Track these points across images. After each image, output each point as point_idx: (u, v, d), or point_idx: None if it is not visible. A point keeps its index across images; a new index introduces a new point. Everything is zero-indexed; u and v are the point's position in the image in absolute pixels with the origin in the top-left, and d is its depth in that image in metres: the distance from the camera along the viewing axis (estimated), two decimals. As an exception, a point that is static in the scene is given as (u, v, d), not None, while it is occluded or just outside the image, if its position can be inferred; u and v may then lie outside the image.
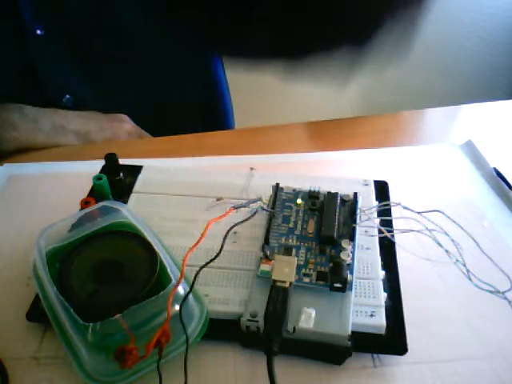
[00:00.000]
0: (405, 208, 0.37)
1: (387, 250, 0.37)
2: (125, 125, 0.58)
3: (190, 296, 0.30)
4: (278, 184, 0.40)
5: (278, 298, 0.30)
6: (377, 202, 0.40)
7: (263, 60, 0.50)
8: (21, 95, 0.56)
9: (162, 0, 0.51)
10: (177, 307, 0.29)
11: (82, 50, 0.57)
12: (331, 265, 0.33)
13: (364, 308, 0.32)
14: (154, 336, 0.28)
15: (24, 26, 0.53)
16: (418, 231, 0.36)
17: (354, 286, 0.32)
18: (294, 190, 0.40)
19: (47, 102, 0.57)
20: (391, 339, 0.31)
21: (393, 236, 0.37)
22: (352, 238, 0.35)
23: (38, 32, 0.54)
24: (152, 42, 0.58)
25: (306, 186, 0.40)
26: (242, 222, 0.36)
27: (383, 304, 0.32)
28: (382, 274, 0.34)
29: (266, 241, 0.35)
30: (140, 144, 0.52)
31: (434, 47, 1.34)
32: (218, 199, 0.41)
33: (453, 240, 0.35)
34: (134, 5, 0.55)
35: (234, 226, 0.35)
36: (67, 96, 0.58)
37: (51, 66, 0.56)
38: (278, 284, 0.31)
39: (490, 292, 0.33)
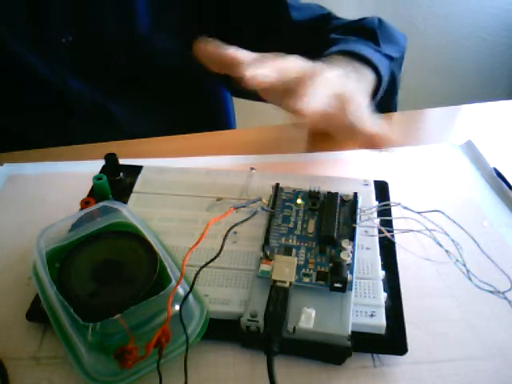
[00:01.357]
0: (405, 208, 0.37)
1: (387, 249, 0.37)
2: None
3: (190, 296, 0.30)
4: (277, 184, 0.40)
5: (278, 298, 0.30)
6: (377, 202, 0.40)
7: None
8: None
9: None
10: (177, 307, 0.29)
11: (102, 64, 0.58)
12: (331, 265, 0.33)
13: (364, 308, 0.32)
14: (154, 336, 0.28)
15: (50, 35, 0.54)
16: (418, 231, 0.36)
17: (354, 286, 0.32)
18: (293, 190, 0.40)
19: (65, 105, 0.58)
20: (391, 339, 0.31)
21: (393, 236, 0.37)
22: (352, 238, 0.35)
23: (63, 40, 0.55)
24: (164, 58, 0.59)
25: (306, 186, 0.40)
26: (242, 222, 0.36)
27: (383, 304, 0.32)
28: (382, 273, 0.34)
29: (266, 241, 0.35)
30: (140, 144, 0.52)
31: (434, 47, 1.34)
32: (218, 199, 0.41)
33: (453, 240, 0.35)
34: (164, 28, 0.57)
35: (234, 226, 0.35)
36: (83, 97, 0.59)
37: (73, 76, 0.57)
38: (278, 284, 0.31)
39: (490, 292, 0.33)
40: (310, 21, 0.58)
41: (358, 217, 0.37)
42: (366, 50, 0.49)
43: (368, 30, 0.54)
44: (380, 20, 0.56)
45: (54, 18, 0.54)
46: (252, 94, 0.60)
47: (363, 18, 0.57)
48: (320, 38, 0.53)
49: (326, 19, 0.58)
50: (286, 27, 0.58)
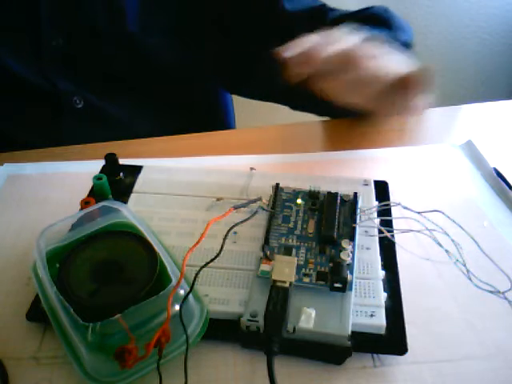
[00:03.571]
0: (405, 208, 0.37)
1: (387, 249, 0.37)
2: None
3: (190, 296, 0.30)
4: (278, 184, 0.40)
5: (278, 298, 0.30)
6: (377, 202, 0.40)
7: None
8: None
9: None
10: (177, 307, 0.29)
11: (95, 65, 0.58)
12: (331, 265, 0.33)
13: (364, 308, 0.32)
14: (154, 336, 0.28)
15: (40, 38, 0.54)
16: (418, 231, 0.36)
17: (354, 286, 0.32)
18: (293, 190, 0.40)
19: (58, 102, 0.58)
20: (391, 339, 0.31)
21: (393, 236, 0.37)
22: (352, 238, 0.35)
23: (54, 43, 0.54)
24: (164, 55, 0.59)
25: (306, 186, 0.40)
26: (242, 221, 0.36)
27: (383, 304, 0.32)
28: (382, 274, 0.34)
29: (266, 241, 0.35)
30: (140, 144, 0.52)
31: (434, 47, 1.34)
32: (218, 199, 0.41)
33: (453, 240, 0.35)
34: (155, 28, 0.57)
35: (234, 226, 0.35)
36: (76, 99, 0.58)
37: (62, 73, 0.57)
38: (278, 284, 0.31)
39: (490, 292, 0.33)
40: (306, 11, 0.57)
41: (357, 217, 0.37)
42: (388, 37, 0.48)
43: (379, 18, 0.53)
44: (386, 9, 0.55)
45: (44, 21, 0.54)
46: (251, 94, 0.61)
47: (370, 7, 0.56)
48: (322, 28, 0.52)
49: (322, 10, 0.58)
50: (282, 18, 0.57)
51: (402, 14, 0.55)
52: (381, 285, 0.34)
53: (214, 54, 0.62)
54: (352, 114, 0.56)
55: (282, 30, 0.57)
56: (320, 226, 0.36)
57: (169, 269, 0.31)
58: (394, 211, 0.40)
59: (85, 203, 0.38)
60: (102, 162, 0.43)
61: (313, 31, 0.53)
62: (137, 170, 0.44)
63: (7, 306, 0.34)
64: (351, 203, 0.38)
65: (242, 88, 0.67)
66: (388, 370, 0.31)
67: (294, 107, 0.62)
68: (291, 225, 0.37)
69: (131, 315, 0.29)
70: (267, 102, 0.65)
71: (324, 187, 0.39)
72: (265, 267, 0.33)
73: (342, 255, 0.33)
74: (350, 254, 0.34)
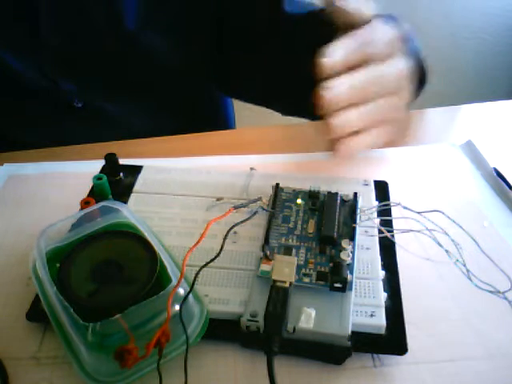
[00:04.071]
0: (405, 208, 0.37)
1: (387, 249, 0.37)
2: None
3: (190, 296, 0.30)
4: (278, 184, 0.40)
5: (278, 298, 0.30)
6: (377, 202, 0.40)
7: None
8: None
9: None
10: (177, 307, 0.29)
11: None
12: (331, 265, 0.33)
13: (364, 308, 0.32)
14: (154, 336, 0.28)
15: (38, 38, 0.54)
16: (418, 231, 0.36)
17: (353, 286, 0.32)
18: (293, 190, 0.40)
19: (58, 101, 0.58)
20: (391, 339, 0.31)
21: (393, 236, 0.37)
22: (352, 238, 0.35)
23: (52, 42, 0.54)
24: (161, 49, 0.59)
25: (306, 186, 0.40)
26: (242, 221, 0.36)
27: (383, 304, 0.32)
28: (382, 274, 0.34)
29: (266, 241, 0.35)
30: (140, 144, 0.52)
31: (434, 47, 1.34)
32: (218, 199, 0.41)
33: (453, 240, 0.35)
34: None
35: (234, 226, 0.35)
36: (76, 98, 0.58)
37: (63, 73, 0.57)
38: (278, 284, 0.31)
39: (490, 292, 0.33)
40: (307, 14, 0.57)
41: (357, 217, 0.37)
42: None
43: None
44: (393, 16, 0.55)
45: (43, 20, 0.54)
46: (247, 96, 0.60)
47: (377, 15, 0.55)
48: (332, 29, 0.52)
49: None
50: (282, 19, 0.57)
51: (402, 14, 0.55)
52: (381, 285, 0.34)
53: (213, 54, 0.61)
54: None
55: (281, 31, 0.56)
56: (320, 226, 0.36)
57: (169, 269, 0.31)
58: (394, 211, 0.40)
59: (85, 203, 0.38)
60: (102, 162, 0.43)
61: (315, 34, 0.52)
62: (137, 170, 0.44)
63: (7, 306, 0.34)
64: (351, 203, 0.38)
65: (241, 91, 0.66)
66: (388, 370, 0.31)
67: (290, 112, 0.62)
68: (291, 225, 0.37)
69: (131, 315, 0.29)
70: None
71: (324, 187, 0.39)
72: (265, 267, 0.33)
73: (342, 255, 0.33)
74: (350, 254, 0.34)
